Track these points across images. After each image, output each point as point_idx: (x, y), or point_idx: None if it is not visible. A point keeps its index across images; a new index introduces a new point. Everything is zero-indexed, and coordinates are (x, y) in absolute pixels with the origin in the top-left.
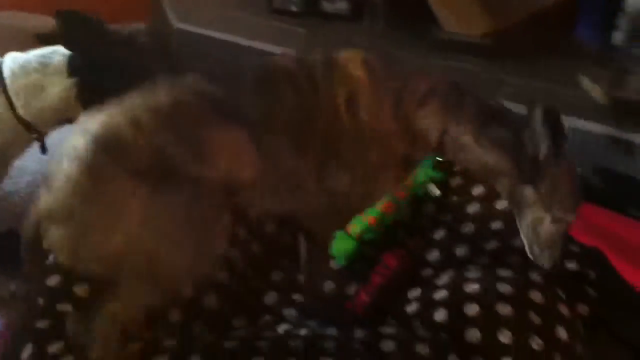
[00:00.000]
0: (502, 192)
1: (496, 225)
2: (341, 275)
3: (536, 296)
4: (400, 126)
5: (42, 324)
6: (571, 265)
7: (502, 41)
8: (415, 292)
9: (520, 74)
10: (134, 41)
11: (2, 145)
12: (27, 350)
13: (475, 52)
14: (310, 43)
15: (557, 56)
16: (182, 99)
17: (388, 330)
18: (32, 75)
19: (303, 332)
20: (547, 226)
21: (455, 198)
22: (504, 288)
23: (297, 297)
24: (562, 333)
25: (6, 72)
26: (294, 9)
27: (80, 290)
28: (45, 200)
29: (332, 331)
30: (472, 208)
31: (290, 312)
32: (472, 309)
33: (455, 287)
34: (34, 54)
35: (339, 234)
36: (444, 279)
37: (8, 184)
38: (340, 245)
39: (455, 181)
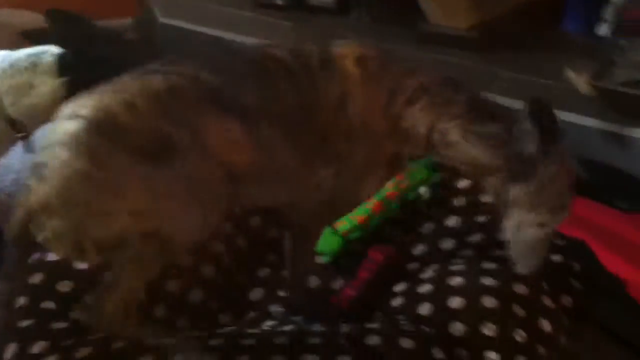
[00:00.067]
0: (489, 190)
1: (481, 218)
2: (327, 271)
3: (520, 289)
4: (390, 125)
5: (25, 323)
6: (555, 258)
7: (489, 34)
8: (400, 286)
9: (507, 66)
10: (121, 37)
11: None
12: (11, 350)
13: (461, 45)
14: (295, 36)
15: (543, 48)
16: (177, 84)
17: (373, 324)
18: (22, 74)
19: (288, 328)
20: (531, 230)
21: (440, 191)
22: (489, 281)
23: (282, 293)
24: (545, 325)
25: None
26: (279, 2)
27: (64, 286)
28: (39, 191)
29: (317, 327)
30: (458, 201)
31: (276, 308)
32: (456, 302)
33: (439, 281)
34: (25, 53)
35: (326, 230)
36: (429, 272)
37: None
38: (327, 242)
39: (441, 174)
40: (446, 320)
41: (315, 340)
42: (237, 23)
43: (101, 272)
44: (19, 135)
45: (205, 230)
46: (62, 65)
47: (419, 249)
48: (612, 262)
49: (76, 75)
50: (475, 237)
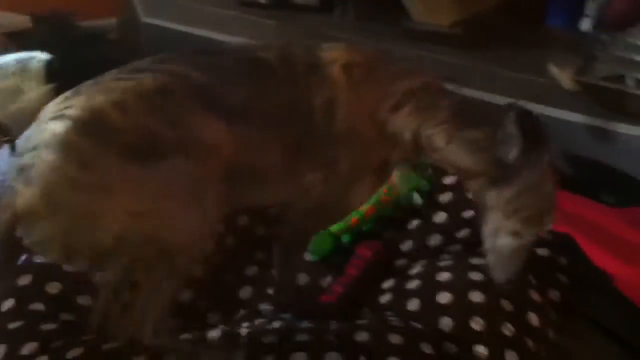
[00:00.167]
0: (471, 193)
1: (468, 213)
2: (316, 268)
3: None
4: (378, 131)
5: (14, 325)
6: (542, 252)
7: (472, 30)
8: (389, 283)
9: (490, 62)
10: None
11: None
12: (0, 352)
13: (445, 41)
14: (279, 35)
15: (526, 44)
16: (167, 83)
17: (362, 321)
18: (10, 79)
19: (277, 325)
20: (506, 238)
21: (428, 188)
22: (476, 276)
23: (271, 290)
24: (533, 319)
25: None
26: (263, 1)
27: (52, 288)
28: (25, 195)
29: (305, 324)
30: (444, 197)
31: (265, 306)
32: (444, 298)
33: (428, 277)
34: (13, 58)
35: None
36: (417, 268)
37: None
38: (319, 243)
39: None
40: (435, 315)
41: (304, 337)
42: (220, 22)
43: (92, 274)
44: (5, 138)
45: (205, 231)
46: (50, 72)
47: (407, 245)
48: (598, 256)
49: (63, 81)
50: (463, 233)
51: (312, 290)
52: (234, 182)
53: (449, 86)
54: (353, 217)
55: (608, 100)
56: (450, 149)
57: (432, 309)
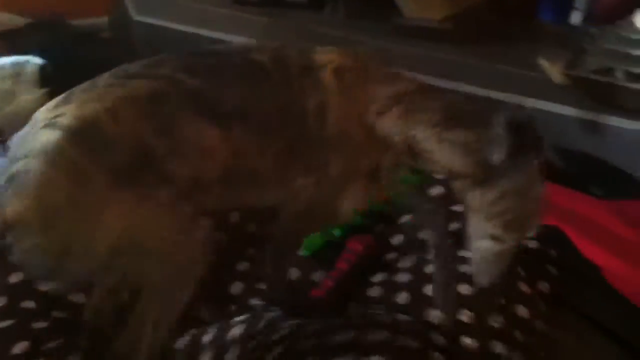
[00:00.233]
0: (457, 193)
1: (458, 207)
2: (307, 263)
3: None
4: (368, 135)
5: (5, 323)
6: (531, 244)
7: (463, 25)
8: (379, 277)
9: (481, 57)
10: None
11: None
12: None
13: (436, 37)
14: (271, 32)
15: (517, 38)
16: (160, 89)
17: (350, 315)
18: (5, 82)
19: (261, 325)
20: (485, 241)
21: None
22: (465, 268)
23: (262, 286)
24: (522, 311)
25: None
26: None
27: (44, 286)
28: (16, 205)
29: (292, 319)
30: (435, 190)
31: (256, 302)
32: (432, 290)
33: (417, 270)
34: (8, 61)
35: None
36: (408, 262)
37: None
38: (309, 237)
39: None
40: (423, 307)
41: (285, 332)
42: (212, 20)
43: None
44: None
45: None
46: (44, 76)
47: (398, 239)
48: (588, 249)
49: (58, 86)
50: (453, 226)
51: (303, 285)
52: (227, 184)
53: (440, 82)
54: None
55: (598, 93)
56: (440, 152)
57: (420, 302)
